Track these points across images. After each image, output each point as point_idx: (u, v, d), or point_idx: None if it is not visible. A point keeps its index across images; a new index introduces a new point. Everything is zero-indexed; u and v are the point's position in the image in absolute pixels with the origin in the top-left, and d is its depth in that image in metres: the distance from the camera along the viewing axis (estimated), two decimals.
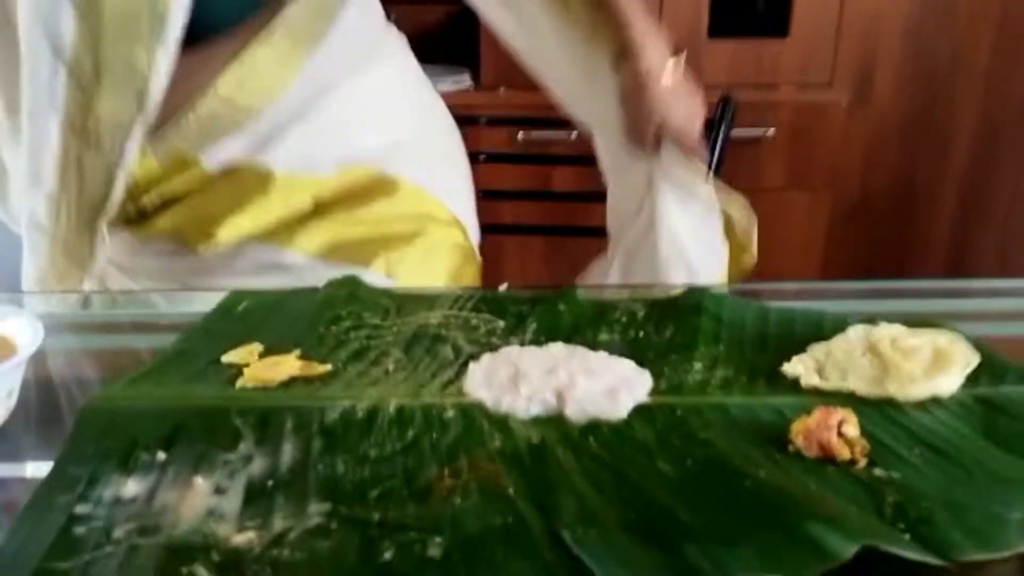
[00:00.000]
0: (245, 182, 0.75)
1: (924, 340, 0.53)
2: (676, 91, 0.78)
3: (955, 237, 1.79)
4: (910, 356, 0.51)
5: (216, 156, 0.74)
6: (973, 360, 0.52)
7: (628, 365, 0.55)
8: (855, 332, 0.55)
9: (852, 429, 0.46)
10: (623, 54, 0.79)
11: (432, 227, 0.82)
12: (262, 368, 0.54)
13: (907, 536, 0.39)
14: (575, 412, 0.50)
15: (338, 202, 0.79)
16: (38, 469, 0.45)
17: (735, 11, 1.64)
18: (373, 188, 0.80)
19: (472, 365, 0.54)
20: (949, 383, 0.51)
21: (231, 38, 0.73)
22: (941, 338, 0.53)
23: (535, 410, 0.51)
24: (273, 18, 0.73)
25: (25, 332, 0.50)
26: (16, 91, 0.67)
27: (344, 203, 0.79)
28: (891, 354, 0.52)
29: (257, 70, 0.72)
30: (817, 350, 0.55)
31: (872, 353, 0.53)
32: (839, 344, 0.54)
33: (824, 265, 1.75)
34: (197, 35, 0.70)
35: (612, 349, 0.57)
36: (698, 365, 0.56)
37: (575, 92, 0.86)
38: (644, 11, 0.78)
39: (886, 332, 0.54)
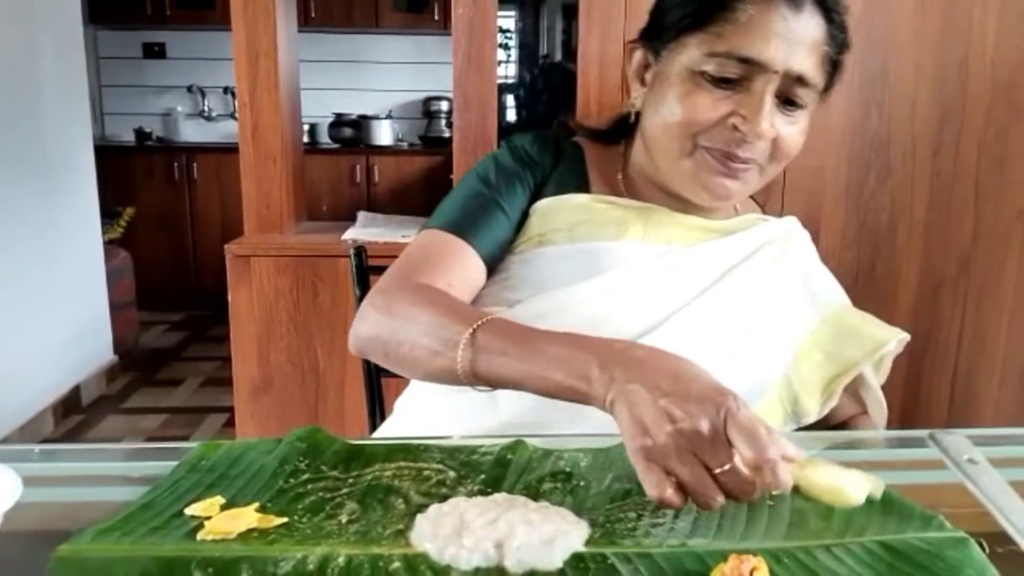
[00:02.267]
0: None
1: (830, 466, 0.59)
2: None
3: (907, 386, 1.86)
4: (815, 473, 0.57)
5: None
6: (879, 487, 0.59)
7: (568, 515, 0.59)
8: None
9: (762, 575, 0.50)
10: None
11: None
12: (221, 521, 0.58)
13: None
14: (513, 564, 0.54)
15: None
16: None
17: None
18: None
19: (419, 517, 0.58)
20: (856, 490, 0.57)
21: None
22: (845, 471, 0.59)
23: (476, 561, 0.54)
24: None
25: (3, 486, 0.54)
26: None
27: None
28: (799, 474, 0.58)
29: None
30: None
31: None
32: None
33: None
34: None
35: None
36: (631, 514, 0.60)
37: None
38: None
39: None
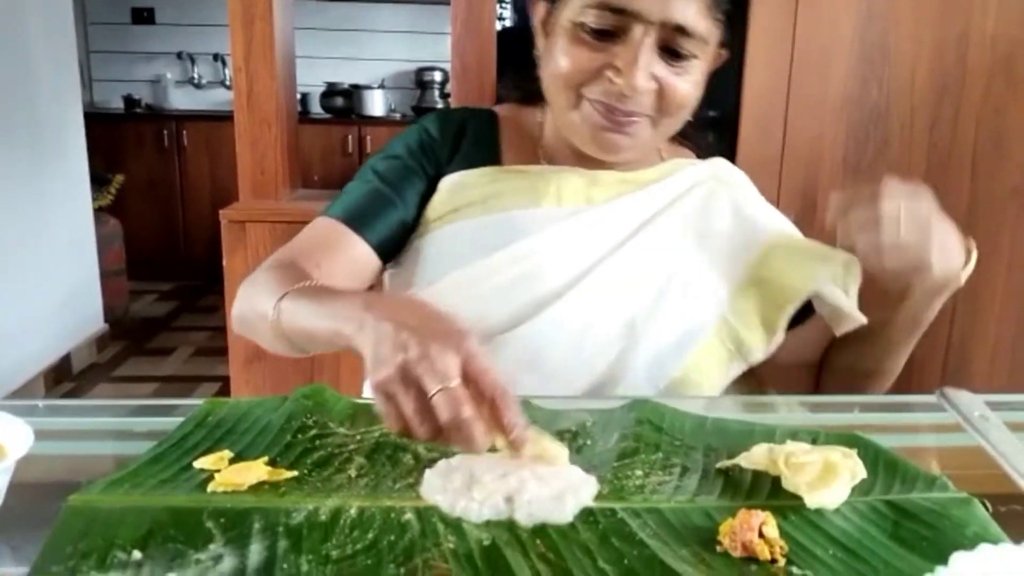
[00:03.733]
0: None
1: (816, 456, 0.58)
2: None
3: None
4: (799, 471, 0.56)
5: None
6: (859, 473, 0.58)
7: (576, 471, 0.60)
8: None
9: (771, 530, 0.50)
10: None
11: None
12: (232, 473, 0.58)
13: None
14: (524, 517, 0.55)
15: None
16: (20, 570, 0.48)
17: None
18: None
19: (428, 471, 0.59)
20: (833, 495, 0.55)
21: None
22: (835, 454, 0.59)
23: (487, 514, 0.55)
24: None
25: (15, 437, 0.54)
26: None
27: None
28: (783, 469, 0.57)
29: None
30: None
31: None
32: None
33: None
34: None
35: None
36: (639, 471, 0.61)
37: None
38: None
39: (784, 449, 0.59)
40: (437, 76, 4.88)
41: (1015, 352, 1.89)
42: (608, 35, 0.82)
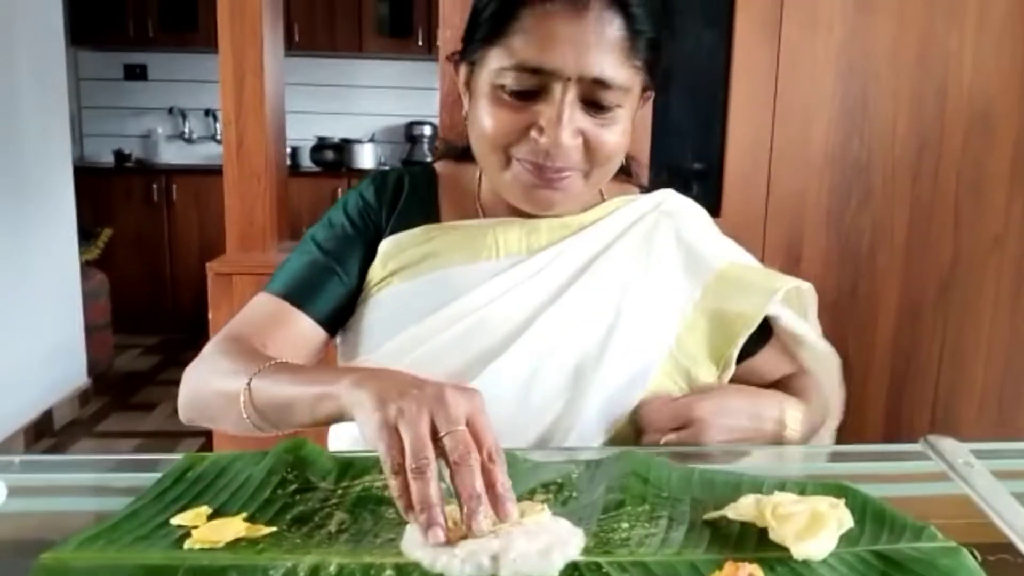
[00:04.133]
0: None
1: (803, 507, 0.57)
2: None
3: (888, 407, 1.88)
4: (785, 522, 0.56)
5: None
6: (846, 523, 0.57)
7: (564, 525, 0.59)
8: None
9: None
10: None
11: None
12: (209, 530, 0.57)
13: None
14: (509, 574, 0.53)
15: None
16: None
17: None
18: None
19: (409, 526, 0.58)
20: (819, 545, 0.54)
21: None
22: (822, 504, 0.58)
23: (469, 571, 0.53)
24: None
25: None
26: None
27: None
28: (770, 520, 0.56)
29: None
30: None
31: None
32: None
33: None
34: None
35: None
36: (624, 524, 0.60)
37: None
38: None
39: (772, 499, 0.59)
40: (427, 130, 4.95)
41: (1002, 400, 1.89)
42: (529, 95, 0.82)
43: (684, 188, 1.04)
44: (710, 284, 0.92)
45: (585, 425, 0.86)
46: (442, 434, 0.58)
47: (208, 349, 0.87)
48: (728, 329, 0.90)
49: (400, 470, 0.57)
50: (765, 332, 0.94)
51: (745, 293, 0.91)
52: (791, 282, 0.92)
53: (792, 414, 0.87)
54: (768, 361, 0.97)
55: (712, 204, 1.74)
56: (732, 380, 0.92)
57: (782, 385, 0.96)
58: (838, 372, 0.98)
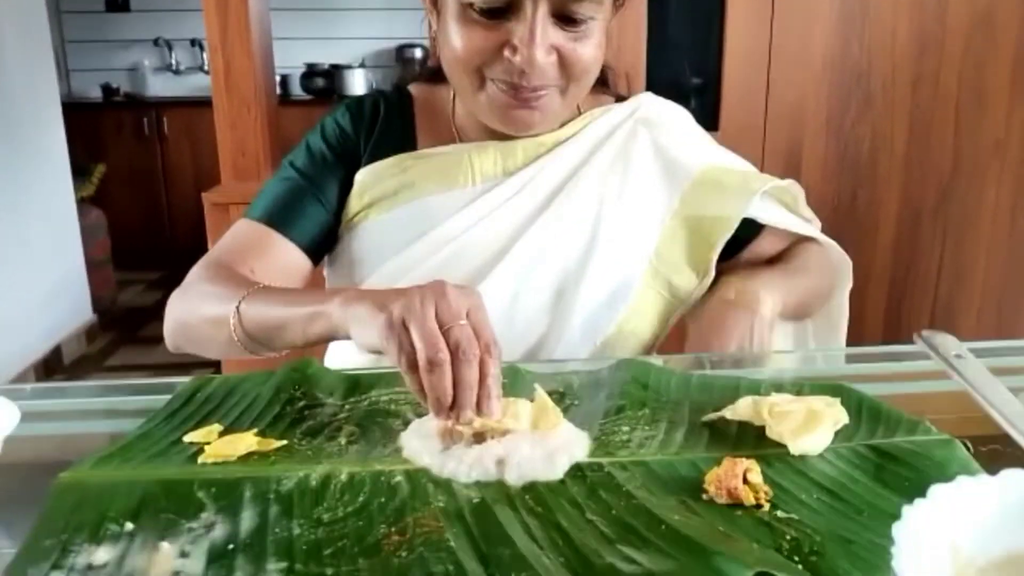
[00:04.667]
0: None
1: (800, 405, 0.59)
2: None
3: (887, 315, 1.89)
4: (782, 420, 0.57)
5: None
6: (842, 420, 0.58)
7: (568, 428, 0.60)
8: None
9: (756, 476, 0.51)
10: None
11: None
12: (222, 445, 0.59)
13: (799, 566, 0.44)
14: (514, 478, 0.55)
15: None
16: (12, 545, 0.48)
17: None
18: None
19: (404, 434, 0.60)
20: (815, 441, 0.56)
21: None
22: (817, 402, 0.59)
23: (476, 475, 0.55)
24: None
25: (1, 415, 0.54)
26: None
27: None
28: (767, 418, 0.58)
29: None
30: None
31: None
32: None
33: None
34: None
35: None
36: (625, 428, 0.61)
37: None
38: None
39: (768, 400, 0.60)
40: (418, 53, 4.85)
41: (1001, 306, 1.91)
42: (499, 12, 0.79)
43: (683, 103, 1.02)
44: (688, 191, 0.91)
45: (569, 340, 0.87)
46: (445, 327, 0.59)
47: (192, 276, 0.87)
48: (707, 235, 0.89)
49: (414, 365, 0.58)
50: (756, 224, 0.94)
51: (723, 197, 0.90)
52: (769, 182, 0.91)
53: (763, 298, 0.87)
54: (765, 250, 0.96)
55: (710, 118, 1.72)
56: (743, 263, 0.93)
57: (783, 256, 0.96)
58: (839, 250, 0.96)
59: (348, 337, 0.67)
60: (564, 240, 0.89)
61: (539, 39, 0.79)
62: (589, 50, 0.82)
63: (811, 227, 0.94)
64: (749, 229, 0.92)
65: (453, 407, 0.58)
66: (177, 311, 0.85)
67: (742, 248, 0.94)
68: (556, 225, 0.90)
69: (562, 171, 0.91)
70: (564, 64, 0.82)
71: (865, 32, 1.78)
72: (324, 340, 0.72)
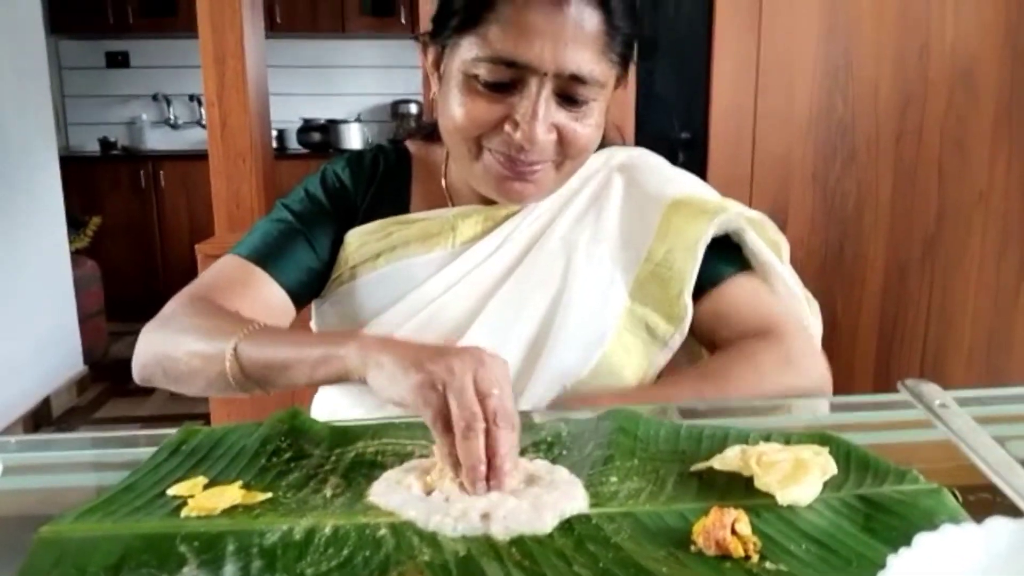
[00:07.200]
0: None
1: (788, 455, 0.59)
2: None
3: (877, 366, 1.89)
4: (770, 470, 0.57)
5: None
6: (830, 470, 0.58)
7: (561, 472, 0.60)
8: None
9: (744, 527, 0.51)
10: None
11: None
12: (206, 498, 0.58)
13: None
14: (500, 531, 0.54)
15: None
16: None
17: None
18: None
19: (376, 482, 0.60)
20: (804, 491, 0.56)
21: None
22: (805, 452, 0.59)
23: (462, 529, 0.54)
24: None
25: None
26: None
27: None
28: (755, 468, 0.58)
29: None
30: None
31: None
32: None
33: None
34: None
35: None
36: (613, 478, 0.61)
37: None
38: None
39: (756, 449, 0.60)
40: (413, 108, 4.92)
41: (989, 355, 1.91)
42: (503, 87, 0.80)
43: (671, 158, 1.04)
44: (659, 227, 0.91)
45: (544, 385, 0.87)
46: (483, 397, 0.58)
47: (171, 309, 0.85)
48: (679, 272, 0.89)
49: (449, 427, 0.58)
50: (739, 262, 0.94)
51: (692, 223, 0.90)
52: (738, 207, 0.92)
53: None
54: (743, 293, 0.93)
55: (698, 171, 1.74)
56: (710, 314, 0.90)
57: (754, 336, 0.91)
58: (817, 316, 0.97)
59: (363, 381, 0.66)
60: (537, 293, 0.90)
61: (541, 117, 0.80)
62: (588, 130, 0.84)
63: (773, 257, 0.94)
64: (717, 273, 0.92)
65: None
66: (156, 343, 0.83)
67: (709, 290, 0.92)
68: (529, 279, 0.90)
69: (536, 225, 0.93)
70: (563, 142, 0.83)
71: (849, 88, 1.82)
72: (331, 383, 0.71)
